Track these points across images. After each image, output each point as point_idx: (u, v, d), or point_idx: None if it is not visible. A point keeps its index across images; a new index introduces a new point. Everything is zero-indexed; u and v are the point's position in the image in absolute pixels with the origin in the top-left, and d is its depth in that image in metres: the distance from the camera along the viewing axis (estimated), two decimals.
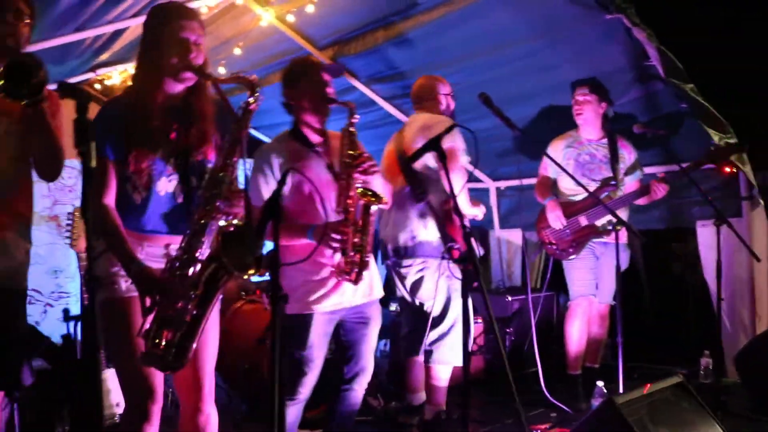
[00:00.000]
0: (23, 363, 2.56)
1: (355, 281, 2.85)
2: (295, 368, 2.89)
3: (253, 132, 6.30)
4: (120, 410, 3.52)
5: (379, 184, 2.94)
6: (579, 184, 3.46)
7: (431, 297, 3.61)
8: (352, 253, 2.82)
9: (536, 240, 4.88)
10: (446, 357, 3.62)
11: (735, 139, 4.11)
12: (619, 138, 4.31)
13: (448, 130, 2.60)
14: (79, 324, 3.82)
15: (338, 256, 2.83)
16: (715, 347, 4.44)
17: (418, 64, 4.59)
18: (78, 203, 4.86)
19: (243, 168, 2.29)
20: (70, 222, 3.47)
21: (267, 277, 5.27)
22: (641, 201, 4.20)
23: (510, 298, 5.15)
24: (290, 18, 4.24)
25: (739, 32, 5.69)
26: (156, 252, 2.39)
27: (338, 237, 2.74)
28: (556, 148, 4.38)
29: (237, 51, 4.56)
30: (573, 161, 4.31)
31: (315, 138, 3.00)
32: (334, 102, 2.93)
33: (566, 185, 4.35)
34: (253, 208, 2.74)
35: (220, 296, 2.30)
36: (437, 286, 3.55)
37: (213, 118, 2.48)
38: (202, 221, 2.28)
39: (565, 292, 4.64)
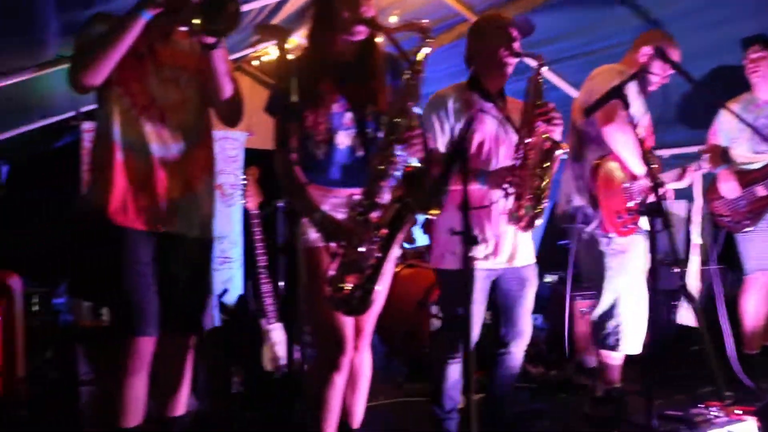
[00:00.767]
0: (210, 307, 2.72)
1: (526, 227, 2.79)
2: (456, 325, 2.88)
3: None
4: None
5: (559, 137, 2.83)
6: None
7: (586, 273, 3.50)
8: (529, 196, 2.75)
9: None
10: (612, 341, 3.35)
11: None
12: None
13: (633, 77, 2.43)
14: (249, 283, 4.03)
15: (510, 201, 2.77)
16: None
17: (575, 27, 4.40)
18: (241, 173, 5.14)
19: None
20: (243, 181, 3.65)
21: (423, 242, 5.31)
22: None
23: (677, 270, 4.86)
24: None
25: None
26: (339, 203, 2.45)
27: (513, 180, 2.70)
28: (731, 113, 4.01)
29: (393, 19, 4.58)
30: (748, 129, 3.91)
31: (494, 91, 2.93)
32: (521, 55, 2.86)
33: (741, 152, 4.01)
34: (433, 152, 2.77)
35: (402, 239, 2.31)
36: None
37: (385, 70, 2.51)
38: (381, 167, 2.30)
39: (733, 267, 4.34)
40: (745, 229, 4.00)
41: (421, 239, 5.51)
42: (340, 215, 2.37)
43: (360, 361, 2.63)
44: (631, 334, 3.32)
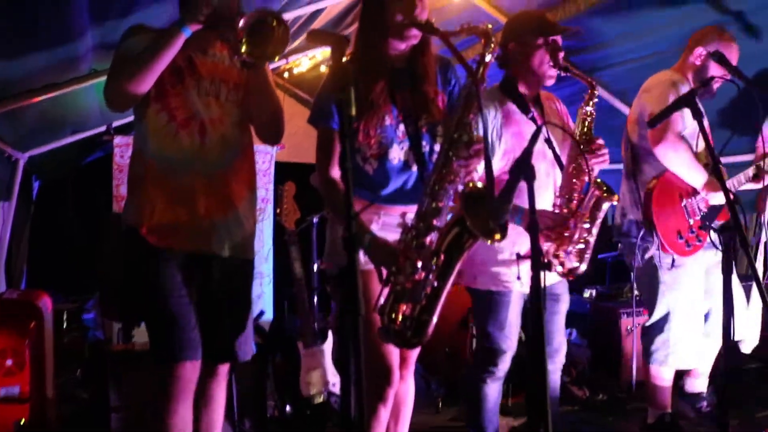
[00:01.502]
0: (251, 334, 2.59)
1: (565, 275, 2.64)
2: (492, 346, 2.75)
3: None
4: (335, 389, 3.55)
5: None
6: None
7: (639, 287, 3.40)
8: (574, 244, 2.59)
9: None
10: (661, 356, 3.25)
11: None
12: None
13: (695, 91, 2.26)
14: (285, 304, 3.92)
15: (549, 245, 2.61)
16: None
17: (622, 32, 4.24)
18: (272, 187, 5.05)
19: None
20: (280, 198, 3.55)
21: None
22: None
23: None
24: None
25: None
26: (392, 222, 2.33)
27: (552, 228, 2.54)
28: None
29: None
30: None
31: (530, 102, 2.74)
32: (568, 71, 2.63)
33: None
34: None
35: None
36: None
37: (437, 76, 2.38)
38: (438, 186, 2.16)
39: None
40: None
41: None
42: (392, 234, 2.25)
43: (404, 390, 2.52)
44: (682, 350, 3.21)
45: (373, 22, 2.32)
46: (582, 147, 2.58)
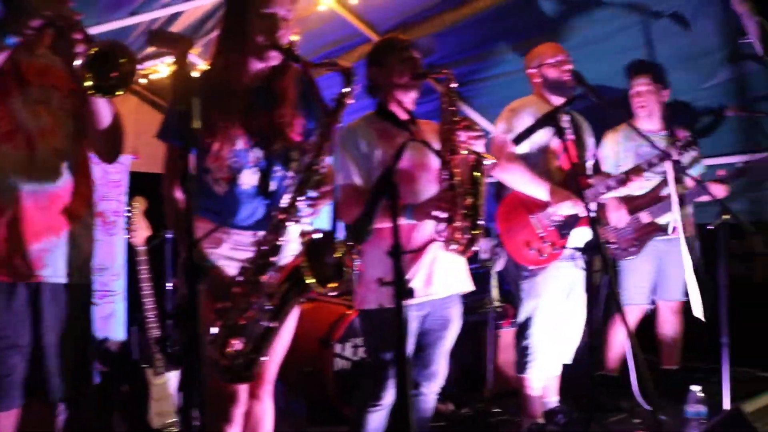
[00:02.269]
0: (92, 364, 2.35)
1: (464, 251, 2.58)
2: (379, 371, 2.66)
3: None
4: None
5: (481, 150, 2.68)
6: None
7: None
8: (462, 218, 2.54)
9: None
10: (522, 363, 3.31)
11: None
12: (678, 129, 3.96)
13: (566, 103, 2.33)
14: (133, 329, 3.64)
15: (443, 226, 2.57)
16: None
17: (484, 48, 4.32)
18: (125, 198, 4.72)
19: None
20: (128, 214, 3.28)
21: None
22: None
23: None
24: (353, 0, 4.00)
25: None
26: (244, 241, 2.19)
27: (441, 204, 2.50)
28: (615, 141, 4.10)
29: (293, 38, 4.33)
30: (633, 154, 4.01)
31: (404, 117, 2.77)
32: (428, 76, 2.73)
33: None
34: (343, 188, 2.60)
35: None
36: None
37: (297, 101, 2.26)
38: (281, 222, 2.09)
39: None
40: (631, 257, 4.01)
41: None
42: (244, 253, 2.15)
43: (261, 410, 2.38)
44: (541, 358, 3.28)
45: (232, 39, 2.21)
46: (456, 128, 2.60)
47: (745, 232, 3.40)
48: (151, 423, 3.29)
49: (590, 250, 2.02)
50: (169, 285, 3.96)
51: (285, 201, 2.11)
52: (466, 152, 2.58)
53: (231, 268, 2.15)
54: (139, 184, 4.63)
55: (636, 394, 3.77)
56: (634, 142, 4.03)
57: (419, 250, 2.33)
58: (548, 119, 2.21)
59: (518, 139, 2.36)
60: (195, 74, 2.03)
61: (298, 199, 2.08)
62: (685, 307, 4.16)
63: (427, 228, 2.65)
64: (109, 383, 3.42)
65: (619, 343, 4.18)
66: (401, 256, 1.63)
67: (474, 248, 2.59)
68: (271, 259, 2.06)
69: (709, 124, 4.08)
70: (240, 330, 2.04)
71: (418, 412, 2.85)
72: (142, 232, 3.38)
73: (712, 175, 3.93)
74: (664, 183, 3.83)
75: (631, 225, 3.96)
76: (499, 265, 3.40)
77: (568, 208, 3.16)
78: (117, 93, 1.91)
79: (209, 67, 2.27)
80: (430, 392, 2.85)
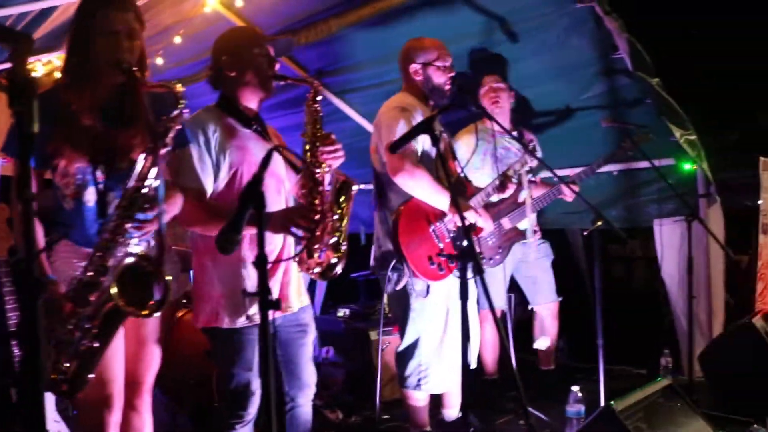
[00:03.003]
0: None
1: (322, 276, 2.55)
2: (240, 389, 2.57)
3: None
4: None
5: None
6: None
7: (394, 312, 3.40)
8: (325, 240, 2.50)
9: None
10: (413, 381, 3.25)
11: (695, 135, 4.06)
12: (525, 131, 4.12)
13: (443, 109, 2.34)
14: None
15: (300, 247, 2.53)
16: (669, 346, 4.40)
17: (372, 56, 4.34)
18: None
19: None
20: None
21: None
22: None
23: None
24: (238, 2, 3.93)
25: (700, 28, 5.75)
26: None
27: (305, 224, 2.43)
28: (468, 143, 4.02)
29: (177, 40, 4.21)
30: (490, 156, 4.03)
31: (252, 117, 2.66)
32: (286, 79, 2.60)
33: (483, 184, 3.68)
34: (186, 192, 2.44)
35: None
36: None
37: (146, 118, 2.21)
38: (109, 244, 2.08)
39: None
40: (497, 264, 3.89)
41: None
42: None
43: (139, 423, 2.34)
44: (434, 375, 3.23)
45: (77, 57, 2.21)
46: (318, 144, 2.53)
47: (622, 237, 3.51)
48: None
49: (464, 257, 2.03)
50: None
51: (113, 222, 2.10)
52: (327, 169, 2.52)
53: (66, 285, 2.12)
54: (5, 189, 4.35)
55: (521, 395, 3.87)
56: (489, 143, 4.04)
57: (281, 261, 2.30)
58: (425, 127, 2.21)
59: (395, 147, 2.34)
60: (35, 74, 1.97)
61: (126, 221, 2.08)
62: (562, 309, 4.36)
63: (276, 240, 2.59)
64: None
65: (491, 346, 4.25)
66: (266, 267, 1.58)
67: (335, 273, 2.56)
68: (101, 279, 2.05)
69: None
70: (65, 347, 2.04)
71: (300, 425, 2.78)
72: (4, 241, 3.17)
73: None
74: (519, 188, 3.76)
75: (495, 232, 3.84)
76: (401, 283, 3.18)
77: (470, 216, 3.13)
78: None
79: (62, 76, 2.26)
80: (306, 402, 2.79)
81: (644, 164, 4.03)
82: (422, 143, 3.15)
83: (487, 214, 3.64)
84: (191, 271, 4.93)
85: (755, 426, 3.20)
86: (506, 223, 3.86)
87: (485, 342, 4.14)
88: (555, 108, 4.39)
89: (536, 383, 4.29)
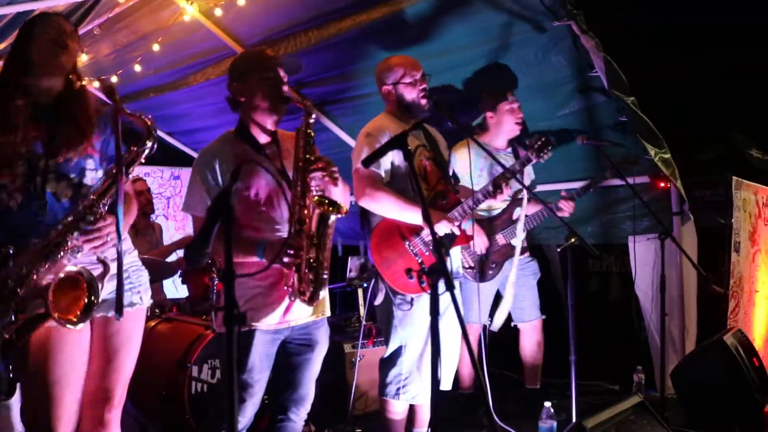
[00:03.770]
0: None
1: (310, 301, 2.54)
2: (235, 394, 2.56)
3: (167, 138, 5.89)
4: None
5: (338, 192, 2.64)
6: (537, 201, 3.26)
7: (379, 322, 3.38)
8: (306, 270, 2.50)
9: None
10: (392, 390, 3.24)
11: (669, 154, 4.10)
12: (519, 148, 4.13)
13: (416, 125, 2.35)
14: None
15: (290, 274, 2.53)
16: (642, 363, 4.42)
17: (351, 68, 4.34)
18: None
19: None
20: None
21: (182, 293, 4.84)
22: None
23: None
24: (218, 12, 3.92)
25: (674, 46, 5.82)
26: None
27: (292, 253, 2.45)
28: (464, 157, 3.93)
29: (155, 47, 4.19)
30: (486, 173, 4.03)
31: (264, 139, 2.69)
32: (291, 101, 2.62)
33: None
34: (194, 219, 2.58)
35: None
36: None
37: (89, 116, 2.29)
38: (51, 252, 2.11)
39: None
40: (490, 279, 3.96)
41: (181, 290, 5.07)
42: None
43: None
44: (413, 385, 3.22)
45: (16, 60, 2.25)
46: (311, 168, 2.54)
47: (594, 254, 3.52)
48: None
49: (435, 273, 2.01)
50: None
51: (56, 231, 2.12)
52: (317, 196, 2.52)
53: None
54: None
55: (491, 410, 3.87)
56: (486, 159, 4.02)
57: (254, 275, 2.28)
58: (396, 142, 2.20)
59: (366, 162, 2.34)
60: None
61: (70, 232, 2.11)
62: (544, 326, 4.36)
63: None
64: None
65: (467, 361, 4.24)
66: (233, 281, 1.57)
67: (318, 299, 2.55)
68: (40, 282, 2.07)
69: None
70: None
71: None
72: None
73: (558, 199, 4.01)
74: (513, 204, 3.89)
75: (489, 248, 3.92)
76: (378, 299, 3.22)
77: (443, 228, 3.13)
78: None
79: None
80: (298, 418, 2.76)
81: (619, 182, 4.06)
82: (396, 159, 3.15)
83: (480, 231, 3.71)
84: (163, 282, 4.95)
85: None
86: (500, 239, 3.91)
87: (463, 356, 4.08)
88: (532, 124, 4.41)
89: (516, 399, 4.29)
